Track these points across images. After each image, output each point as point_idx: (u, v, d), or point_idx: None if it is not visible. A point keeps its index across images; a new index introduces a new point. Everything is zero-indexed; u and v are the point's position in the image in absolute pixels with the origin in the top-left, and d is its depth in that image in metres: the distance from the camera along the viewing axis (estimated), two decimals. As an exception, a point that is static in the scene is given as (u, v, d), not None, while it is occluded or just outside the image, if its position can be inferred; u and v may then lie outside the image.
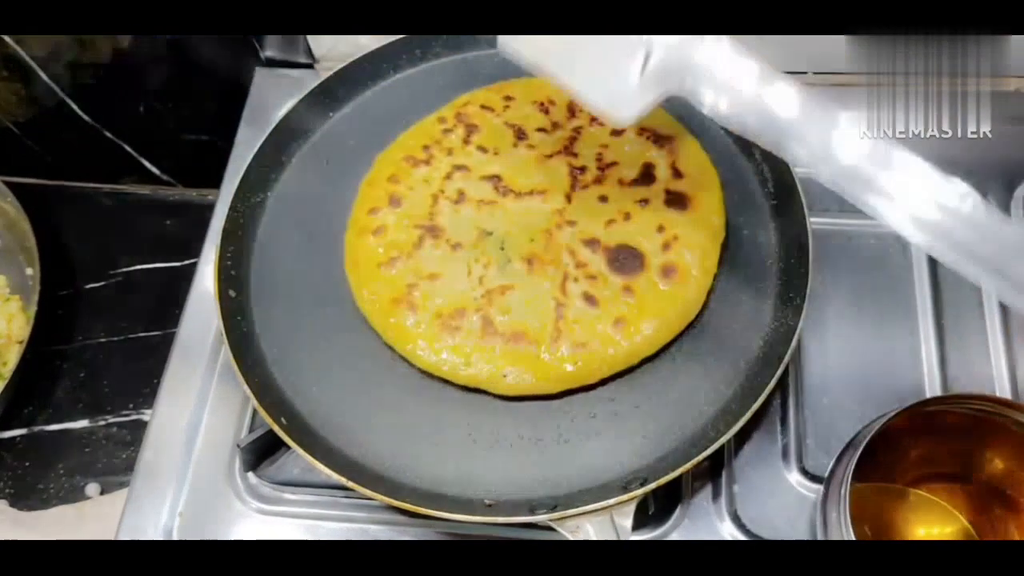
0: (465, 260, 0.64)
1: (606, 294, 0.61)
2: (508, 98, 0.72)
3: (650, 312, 0.60)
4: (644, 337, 0.60)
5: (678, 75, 0.47)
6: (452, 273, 0.63)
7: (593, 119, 0.70)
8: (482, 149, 0.69)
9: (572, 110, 0.71)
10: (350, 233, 0.68)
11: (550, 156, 0.68)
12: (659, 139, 0.68)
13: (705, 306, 0.63)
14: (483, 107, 0.72)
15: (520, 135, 0.70)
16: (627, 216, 0.64)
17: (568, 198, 0.66)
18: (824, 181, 0.43)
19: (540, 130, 0.70)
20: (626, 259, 0.62)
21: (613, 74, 0.48)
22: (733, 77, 0.45)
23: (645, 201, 0.65)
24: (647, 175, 0.66)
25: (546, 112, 0.71)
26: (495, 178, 0.68)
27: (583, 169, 0.67)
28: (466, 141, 0.70)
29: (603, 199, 0.66)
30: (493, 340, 0.60)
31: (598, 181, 0.67)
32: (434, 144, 0.70)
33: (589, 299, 0.61)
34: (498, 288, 0.62)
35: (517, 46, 0.51)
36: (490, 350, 0.60)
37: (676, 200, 0.65)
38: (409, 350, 0.61)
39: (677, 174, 0.66)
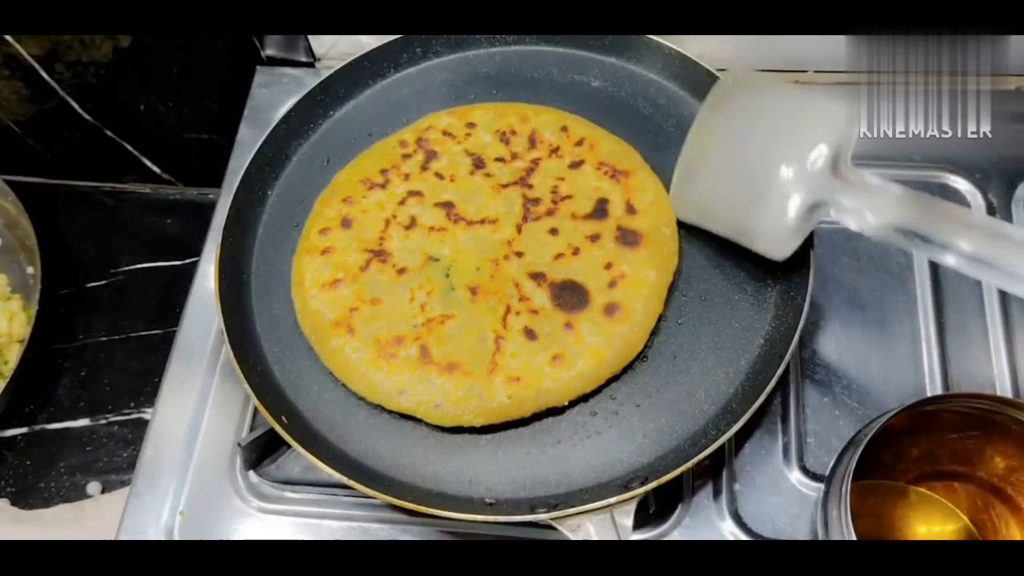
0: (409, 286, 0.63)
1: (547, 329, 0.60)
2: (471, 125, 0.71)
3: (588, 350, 0.59)
4: (580, 374, 0.59)
5: (822, 211, 0.56)
6: (394, 299, 0.63)
7: (552, 151, 0.69)
8: (439, 176, 0.69)
9: (532, 140, 0.70)
10: (299, 252, 0.67)
11: (505, 186, 0.67)
12: (616, 174, 0.67)
13: (705, 305, 0.64)
14: (445, 133, 0.71)
15: (478, 164, 0.69)
16: (576, 251, 0.63)
17: (519, 229, 0.65)
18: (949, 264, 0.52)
19: (499, 159, 0.69)
20: (570, 295, 0.61)
21: (772, 226, 0.57)
22: (862, 207, 0.54)
23: (596, 236, 0.64)
24: (600, 210, 0.65)
25: (507, 142, 0.70)
26: (448, 205, 0.67)
27: (537, 201, 0.66)
28: (424, 167, 0.69)
29: (554, 232, 0.65)
30: (429, 369, 0.59)
31: (551, 213, 0.66)
32: (392, 168, 0.69)
33: (529, 333, 0.60)
34: (439, 317, 0.62)
35: (687, 215, 0.62)
36: (424, 380, 0.59)
37: (627, 237, 0.64)
38: (346, 374, 0.61)
39: (631, 210, 0.65)
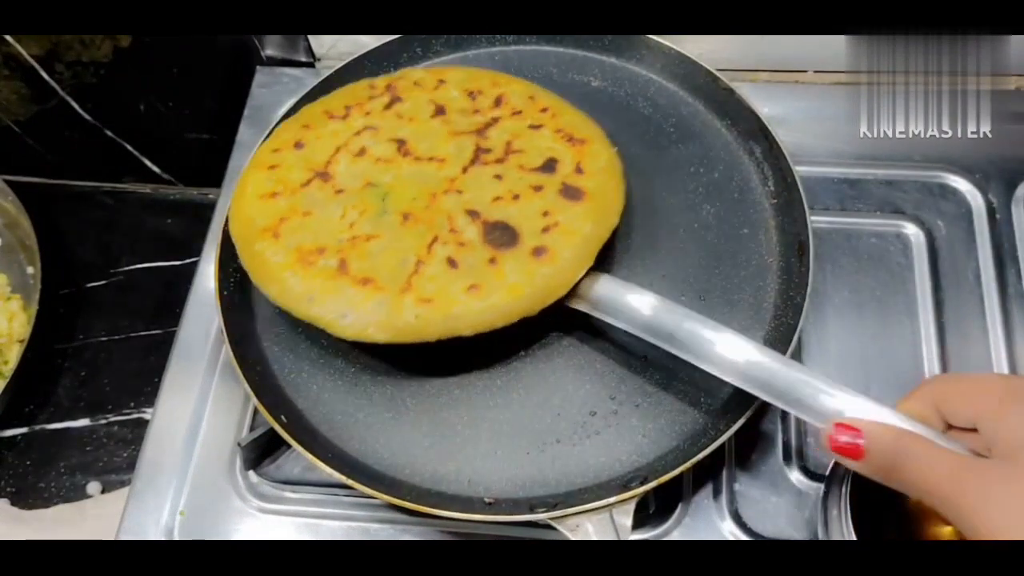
0: (343, 204, 0.63)
1: (470, 261, 0.59)
2: (441, 81, 0.72)
3: (507, 285, 0.58)
4: (493, 306, 0.57)
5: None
6: (326, 213, 0.63)
7: (515, 113, 0.69)
8: (399, 115, 0.69)
9: (498, 101, 0.70)
10: (247, 167, 0.68)
11: (461, 133, 0.68)
12: (573, 140, 0.66)
13: (705, 305, 0.64)
14: (415, 83, 0.71)
15: (440, 111, 0.69)
16: (516, 197, 0.63)
17: (464, 170, 0.65)
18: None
19: (460, 111, 0.70)
20: (501, 234, 0.60)
21: None
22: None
23: (540, 187, 0.63)
24: (549, 166, 0.65)
25: (473, 98, 0.70)
26: (401, 141, 0.67)
27: (488, 150, 0.66)
28: (387, 107, 0.70)
29: (498, 177, 0.64)
30: (343, 281, 0.59)
31: (499, 162, 0.65)
32: (356, 105, 0.70)
33: (451, 262, 0.59)
34: (364, 235, 0.61)
35: None
36: (336, 290, 0.59)
37: (571, 192, 0.63)
38: (261, 277, 0.61)
39: (579, 170, 0.64)
